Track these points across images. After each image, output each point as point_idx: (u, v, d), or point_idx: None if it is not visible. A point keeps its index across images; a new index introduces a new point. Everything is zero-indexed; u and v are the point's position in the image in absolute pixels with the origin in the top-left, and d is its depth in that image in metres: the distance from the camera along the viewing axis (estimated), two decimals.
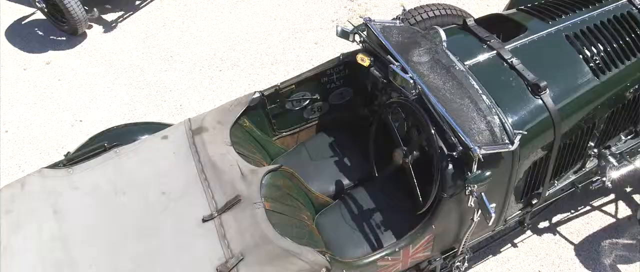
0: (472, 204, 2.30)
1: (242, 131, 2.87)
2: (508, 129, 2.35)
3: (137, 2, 5.51)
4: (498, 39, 2.74)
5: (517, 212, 2.91)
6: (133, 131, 3.00)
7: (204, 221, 2.37)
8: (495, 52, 2.64)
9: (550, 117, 2.49)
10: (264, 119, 3.02)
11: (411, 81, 2.40)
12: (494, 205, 2.21)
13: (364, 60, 2.76)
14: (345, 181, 2.97)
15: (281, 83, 2.93)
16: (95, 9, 5.12)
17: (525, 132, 2.31)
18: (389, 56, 2.60)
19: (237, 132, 2.80)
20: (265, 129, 3.07)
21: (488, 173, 2.27)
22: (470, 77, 2.48)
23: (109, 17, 5.41)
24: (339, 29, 2.88)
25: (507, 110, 2.43)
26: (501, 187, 2.52)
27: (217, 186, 2.46)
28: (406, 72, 2.47)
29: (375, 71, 2.72)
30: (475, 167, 2.24)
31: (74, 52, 5.13)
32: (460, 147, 2.26)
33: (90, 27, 5.30)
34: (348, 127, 3.20)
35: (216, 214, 2.37)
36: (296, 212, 2.53)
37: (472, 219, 2.39)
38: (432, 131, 2.30)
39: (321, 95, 3.10)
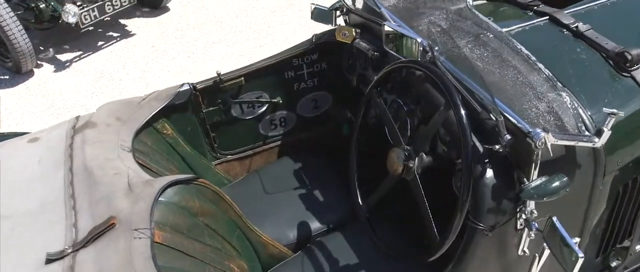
0: (526, 249, 1.27)
1: (159, 140, 1.87)
2: (584, 115, 1.36)
3: (100, 43, 4.82)
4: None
5: None
6: None
7: (49, 261, 1.33)
8: (547, 17, 1.70)
9: None
10: (198, 130, 2.02)
11: (419, 40, 1.46)
12: (578, 240, 1.17)
13: (347, 35, 1.83)
14: (314, 225, 1.90)
15: (223, 73, 1.98)
16: (51, 49, 4.54)
17: (622, 114, 1.28)
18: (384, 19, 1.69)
19: (148, 140, 1.81)
20: (200, 146, 2.05)
21: (557, 183, 1.23)
22: (514, 41, 1.54)
23: (65, 57, 4.68)
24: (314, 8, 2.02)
25: (578, 92, 1.45)
26: (573, 220, 1.46)
27: (86, 204, 1.44)
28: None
29: (361, 43, 1.79)
30: (536, 172, 1.22)
31: (14, 91, 4.33)
32: (508, 136, 1.25)
33: (40, 66, 4.56)
34: (324, 152, 2.19)
35: (69, 251, 1.33)
36: (216, 256, 1.46)
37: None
38: (458, 102, 1.29)
39: (285, 100, 2.13)
